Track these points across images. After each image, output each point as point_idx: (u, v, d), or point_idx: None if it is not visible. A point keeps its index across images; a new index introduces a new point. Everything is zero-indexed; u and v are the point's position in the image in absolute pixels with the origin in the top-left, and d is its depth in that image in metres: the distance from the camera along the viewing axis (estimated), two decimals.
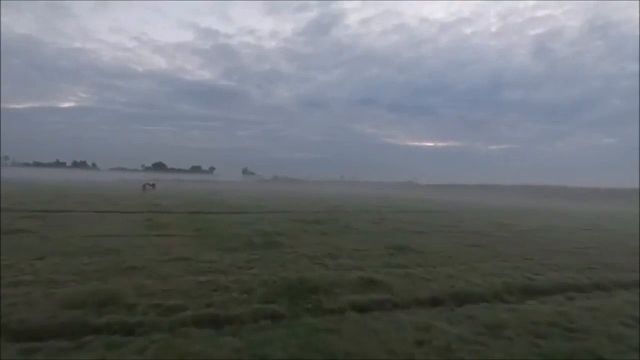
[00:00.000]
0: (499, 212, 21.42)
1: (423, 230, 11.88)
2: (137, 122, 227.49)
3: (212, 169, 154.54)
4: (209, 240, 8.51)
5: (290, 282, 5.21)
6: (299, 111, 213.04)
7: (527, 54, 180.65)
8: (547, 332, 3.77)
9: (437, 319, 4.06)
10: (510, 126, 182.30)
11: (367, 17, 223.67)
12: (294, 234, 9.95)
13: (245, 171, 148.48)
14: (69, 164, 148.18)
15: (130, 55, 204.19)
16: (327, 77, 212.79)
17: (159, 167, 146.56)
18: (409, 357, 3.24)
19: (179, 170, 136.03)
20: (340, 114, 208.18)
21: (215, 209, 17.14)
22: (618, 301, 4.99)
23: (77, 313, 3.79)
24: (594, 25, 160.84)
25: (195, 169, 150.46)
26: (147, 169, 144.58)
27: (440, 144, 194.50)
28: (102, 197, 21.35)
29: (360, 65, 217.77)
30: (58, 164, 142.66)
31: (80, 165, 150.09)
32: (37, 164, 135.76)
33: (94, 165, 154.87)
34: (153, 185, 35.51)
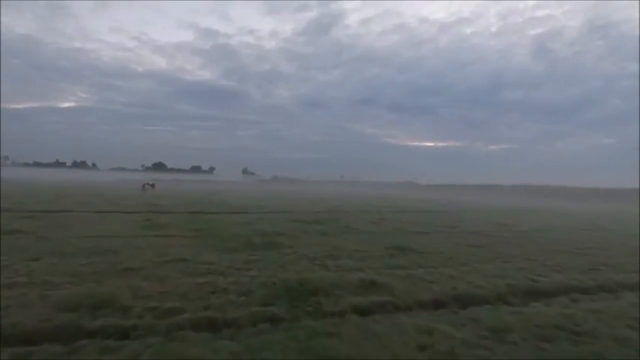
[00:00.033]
0: (499, 212, 21.33)
1: (424, 230, 11.79)
2: (137, 122, 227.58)
3: (212, 169, 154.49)
4: (208, 241, 8.43)
5: (290, 283, 5.13)
6: (299, 111, 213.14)
7: (527, 54, 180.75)
8: (552, 335, 3.68)
9: (440, 322, 3.97)
10: (510, 126, 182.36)
11: (367, 17, 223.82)
12: (294, 234, 9.87)
13: (245, 171, 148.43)
14: (69, 164, 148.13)
15: (130, 55, 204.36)
16: (327, 77, 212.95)
17: (159, 167, 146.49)
18: None
19: (179, 170, 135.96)
20: (340, 114, 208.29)
21: (214, 209, 17.05)
22: (623, 303, 4.90)
23: (72, 316, 3.70)
24: (594, 25, 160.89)
25: (195, 169, 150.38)
26: (147, 169, 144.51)
27: (440, 144, 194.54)
28: (101, 197, 21.27)
29: (360, 65, 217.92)
30: (58, 164, 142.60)
31: (80, 165, 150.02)
32: (37, 164, 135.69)
33: (94, 165, 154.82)
34: (153, 185, 35.40)
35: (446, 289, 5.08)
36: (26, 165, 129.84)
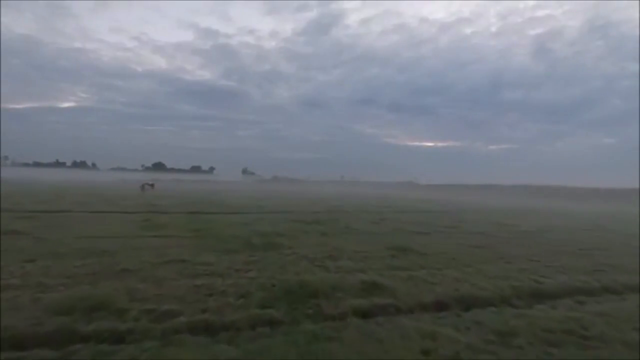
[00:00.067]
0: (500, 212, 21.23)
1: (424, 230, 11.68)
2: (137, 122, 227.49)
3: (212, 169, 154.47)
4: (207, 242, 8.32)
5: (290, 285, 5.02)
6: (299, 111, 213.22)
7: (527, 54, 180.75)
8: (559, 340, 3.57)
9: (444, 325, 3.87)
10: (510, 126, 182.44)
11: (367, 17, 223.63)
12: (294, 234, 9.76)
13: (245, 171, 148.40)
14: (68, 164, 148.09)
15: (130, 55, 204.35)
16: (327, 77, 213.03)
17: (158, 167, 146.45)
18: None
19: (179, 170, 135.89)
20: (340, 114, 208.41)
21: (214, 209, 16.94)
22: (630, 305, 4.80)
23: (65, 320, 3.59)
24: (594, 25, 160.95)
25: (195, 169, 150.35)
26: (147, 169, 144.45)
27: (440, 144, 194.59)
28: (100, 197, 21.16)
29: (360, 65, 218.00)
30: (58, 164, 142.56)
31: (80, 165, 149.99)
32: (37, 164, 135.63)
33: (93, 165, 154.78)
34: (152, 185, 35.31)
35: (449, 291, 4.98)
36: (26, 165, 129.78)
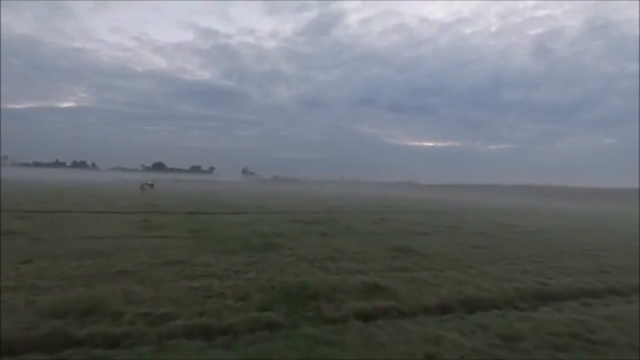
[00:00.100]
0: (501, 213, 21.14)
1: (426, 231, 11.59)
2: (137, 122, 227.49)
3: (212, 169, 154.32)
4: (206, 242, 8.22)
5: (290, 287, 4.92)
6: (299, 111, 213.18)
7: (527, 54, 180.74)
8: (567, 344, 3.47)
9: (448, 328, 3.77)
10: (510, 126, 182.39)
11: (367, 17, 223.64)
12: (294, 235, 9.66)
13: (245, 171, 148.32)
14: (68, 164, 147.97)
15: (130, 55, 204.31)
16: (327, 77, 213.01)
17: (158, 167, 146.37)
18: None
19: (179, 170, 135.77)
20: (340, 114, 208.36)
21: (213, 209, 16.84)
22: (637, 308, 4.69)
23: (58, 323, 3.49)
24: (594, 25, 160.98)
25: (195, 169, 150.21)
26: (147, 169, 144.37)
27: (440, 144, 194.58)
28: (99, 198, 21.05)
29: (360, 65, 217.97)
30: (58, 164, 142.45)
31: (79, 165, 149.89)
32: (37, 164, 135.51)
33: (93, 165, 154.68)
34: (151, 185, 35.17)
35: (452, 293, 4.88)
36: (26, 165, 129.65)
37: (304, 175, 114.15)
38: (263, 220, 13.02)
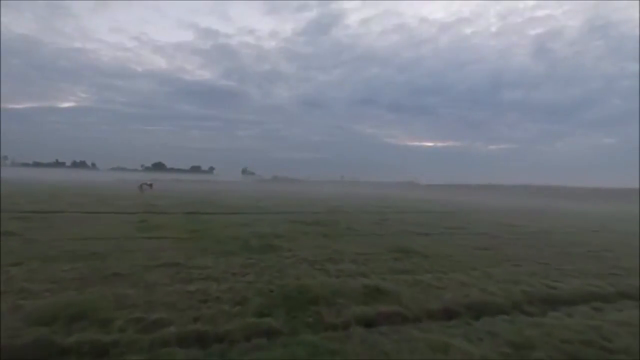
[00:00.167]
0: (502, 213, 20.95)
1: (427, 231, 11.40)
2: (137, 122, 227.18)
3: (211, 169, 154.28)
4: (203, 243, 8.03)
5: (289, 290, 4.74)
6: (299, 111, 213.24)
7: (527, 54, 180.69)
8: (581, 352, 3.29)
9: (454, 335, 3.59)
10: (510, 126, 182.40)
11: (367, 17, 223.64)
12: (293, 235, 9.48)
13: (244, 171, 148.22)
14: (68, 164, 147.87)
15: (130, 55, 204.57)
16: (327, 77, 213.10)
17: (158, 167, 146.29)
18: None
19: (179, 170, 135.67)
20: (340, 114, 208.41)
21: (212, 209, 16.66)
22: None
23: (44, 330, 3.31)
24: (594, 25, 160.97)
25: (195, 169, 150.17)
26: (146, 169, 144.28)
27: (440, 144, 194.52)
28: (97, 198, 20.87)
29: (360, 65, 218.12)
30: (57, 164, 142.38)
31: (79, 165, 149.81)
32: (37, 164, 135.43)
33: (93, 165, 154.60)
34: (150, 185, 34.95)
35: (457, 297, 4.70)
36: (26, 165, 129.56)
37: (304, 175, 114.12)
38: (262, 220, 12.84)
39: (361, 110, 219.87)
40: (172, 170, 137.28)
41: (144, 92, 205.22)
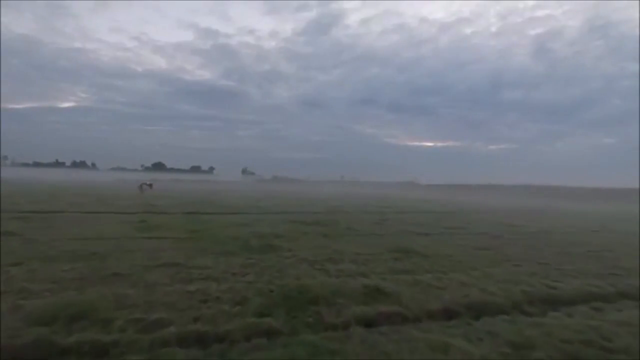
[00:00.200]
0: (502, 213, 20.96)
1: (427, 231, 11.41)
2: (137, 122, 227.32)
3: (211, 169, 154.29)
4: (203, 243, 8.03)
5: (289, 290, 4.74)
6: (299, 111, 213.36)
7: (527, 54, 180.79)
8: (582, 353, 3.29)
9: (454, 335, 3.59)
10: (510, 126, 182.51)
11: (367, 17, 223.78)
12: (293, 235, 9.48)
13: (244, 171, 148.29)
14: (68, 164, 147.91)
15: (130, 55, 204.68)
16: (327, 77, 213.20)
17: (158, 167, 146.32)
18: None
19: (179, 170, 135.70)
20: (340, 114, 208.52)
21: (212, 209, 16.67)
22: None
23: (44, 330, 3.31)
24: (594, 25, 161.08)
25: (195, 169, 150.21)
26: (146, 169, 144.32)
27: (440, 144, 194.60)
28: (97, 198, 20.88)
29: (360, 65, 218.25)
30: (57, 164, 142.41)
31: (79, 165, 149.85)
32: (37, 164, 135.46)
33: (93, 165, 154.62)
34: (150, 185, 34.92)
35: (457, 297, 4.70)
36: (26, 165, 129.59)
37: (304, 175, 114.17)
38: (262, 220, 12.85)
39: (361, 110, 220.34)
40: (172, 170, 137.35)
41: (144, 92, 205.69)
